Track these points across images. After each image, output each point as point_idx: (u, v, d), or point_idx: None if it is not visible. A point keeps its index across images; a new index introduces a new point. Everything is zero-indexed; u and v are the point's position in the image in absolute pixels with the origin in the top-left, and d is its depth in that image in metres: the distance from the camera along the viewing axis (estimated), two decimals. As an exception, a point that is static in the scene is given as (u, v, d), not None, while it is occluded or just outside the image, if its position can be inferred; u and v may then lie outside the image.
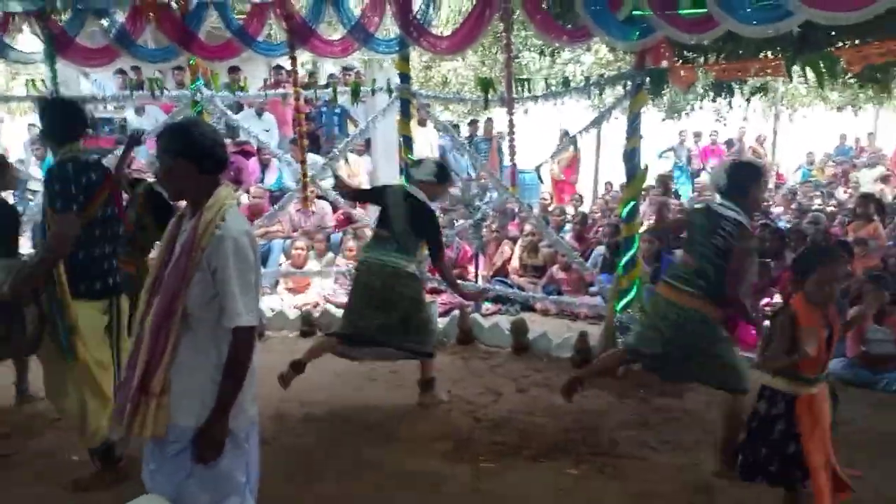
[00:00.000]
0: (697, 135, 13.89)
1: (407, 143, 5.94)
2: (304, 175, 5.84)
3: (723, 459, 3.57)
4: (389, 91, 6.04)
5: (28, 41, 6.75)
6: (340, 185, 4.97)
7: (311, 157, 6.60)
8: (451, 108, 13.77)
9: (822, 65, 4.49)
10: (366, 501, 3.42)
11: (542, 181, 9.49)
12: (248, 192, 7.96)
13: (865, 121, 15.30)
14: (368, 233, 7.49)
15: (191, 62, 6.31)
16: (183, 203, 2.33)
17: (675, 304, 3.67)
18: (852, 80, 10.20)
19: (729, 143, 14.00)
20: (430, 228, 4.38)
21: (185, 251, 2.17)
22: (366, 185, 9.88)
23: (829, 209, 9.13)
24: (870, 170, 13.05)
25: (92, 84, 9.18)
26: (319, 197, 7.57)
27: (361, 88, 6.47)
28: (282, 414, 4.34)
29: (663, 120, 13.97)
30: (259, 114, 9.49)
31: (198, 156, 2.22)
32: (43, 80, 6.32)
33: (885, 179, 11.68)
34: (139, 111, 9.20)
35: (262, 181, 8.55)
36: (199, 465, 2.20)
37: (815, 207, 9.31)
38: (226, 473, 2.27)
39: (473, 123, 11.97)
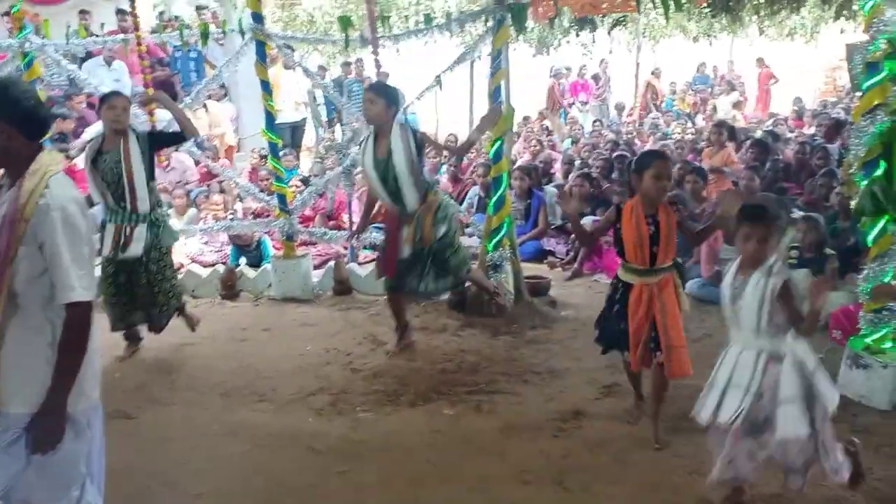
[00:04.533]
0: (568, 69, 14.12)
1: (264, 87, 5.63)
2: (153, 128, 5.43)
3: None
4: (242, 32, 5.67)
5: None
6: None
7: (159, 113, 6.15)
8: (320, 49, 13.24)
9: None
10: (236, 467, 3.32)
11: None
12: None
13: (720, 50, 16.06)
14: (234, 186, 7.19)
15: (13, 9, 5.67)
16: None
17: None
18: (707, 11, 10.67)
19: (595, 78, 14.34)
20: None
21: (7, 225, 1.97)
22: (231, 133, 9.53)
23: (687, 136, 9.59)
24: (726, 96, 13.82)
25: None
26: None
27: (212, 30, 6.06)
28: (143, 385, 4.14)
29: (534, 56, 14.08)
30: (108, 62, 8.79)
31: (18, 119, 2.00)
32: None
33: (737, 105, 12.39)
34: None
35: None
36: (37, 455, 2.04)
37: (675, 136, 9.76)
38: (66, 463, 2.12)
39: (347, 65, 11.61)
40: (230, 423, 3.71)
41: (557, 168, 8.64)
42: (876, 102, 3.51)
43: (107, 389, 3.96)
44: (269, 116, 5.72)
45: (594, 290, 5.75)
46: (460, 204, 7.10)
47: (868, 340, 3.67)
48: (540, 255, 6.56)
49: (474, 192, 7.52)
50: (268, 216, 6.27)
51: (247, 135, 9.53)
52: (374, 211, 4.82)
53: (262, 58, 5.58)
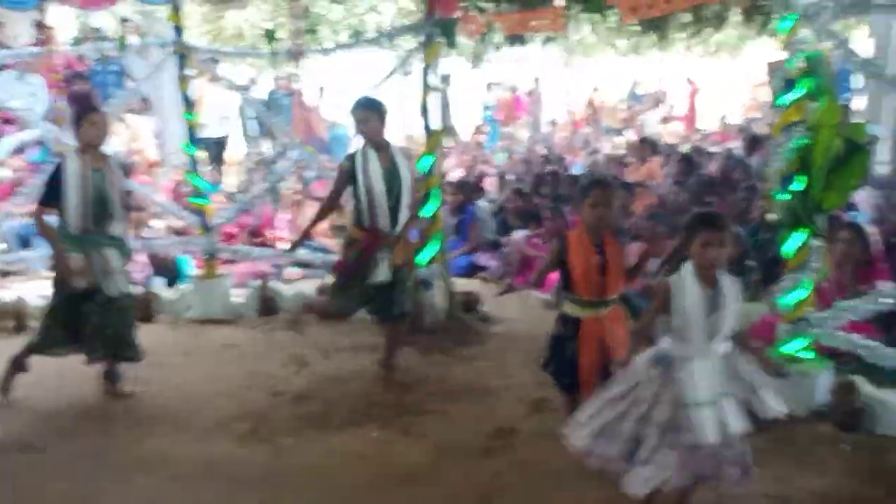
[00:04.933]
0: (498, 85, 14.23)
1: (186, 101, 5.43)
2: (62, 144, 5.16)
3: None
4: (163, 45, 5.47)
5: None
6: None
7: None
8: (249, 62, 13.00)
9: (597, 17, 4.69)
10: (149, 500, 3.13)
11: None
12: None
13: (651, 66, 16.47)
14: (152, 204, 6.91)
15: None
16: None
17: None
18: (635, 28, 10.94)
19: (530, 93, 14.52)
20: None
21: None
22: (154, 148, 9.19)
23: (617, 152, 9.76)
24: (654, 112, 14.19)
25: None
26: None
27: (134, 42, 5.83)
28: (51, 414, 3.90)
29: (472, 68, 14.14)
30: (21, 75, 8.37)
31: None
32: None
33: (665, 121, 12.72)
34: None
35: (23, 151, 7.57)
36: None
37: (605, 151, 9.92)
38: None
39: (279, 79, 11.43)
40: (144, 453, 3.50)
41: (490, 183, 8.66)
42: (794, 119, 3.60)
43: (11, 419, 3.79)
44: (190, 131, 5.53)
45: (527, 305, 5.73)
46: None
47: (786, 350, 3.75)
48: (472, 271, 6.52)
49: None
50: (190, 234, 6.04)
51: (171, 150, 9.23)
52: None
53: (183, 71, 5.39)
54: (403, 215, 4.16)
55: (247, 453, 3.50)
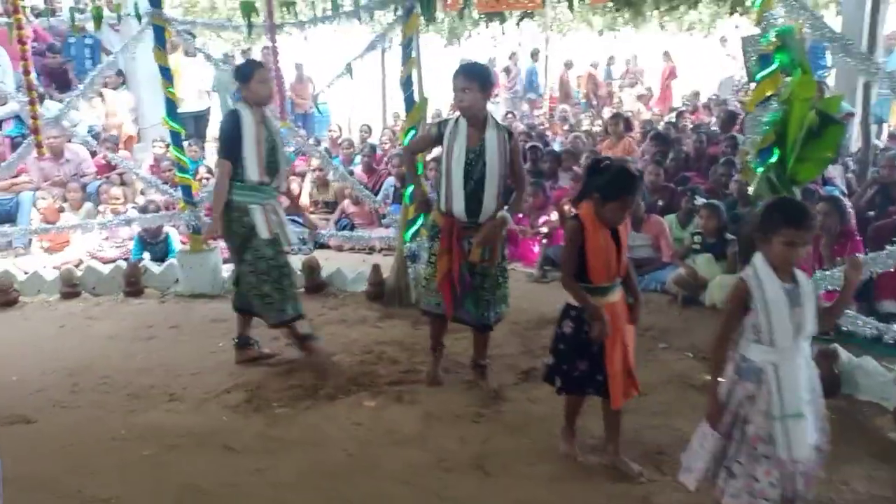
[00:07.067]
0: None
1: (165, 74, 5.37)
2: (34, 118, 5.09)
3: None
4: (138, 17, 5.38)
5: None
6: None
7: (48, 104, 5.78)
8: (224, 36, 12.81)
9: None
10: (146, 470, 3.16)
11: (319, 112, 9.24)
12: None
13: (625, 44, 16.57)
14: (135, 178, 6.86)
15: None
16: None
17: None
18: (610, 5, 11.01)
19: (507, 70, 14.53)
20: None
21: None
22: (130, 123, 9.05)
23: (595, 129, 9.85)
24: (631, 89, 14.30)
25: None
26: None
27: (106, 15, 5.73)
28: (44, 388, 3.90)
29: (445, 46, 14.12)
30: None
31: None
32: None
33: (641, 98, 12.84)
34: None
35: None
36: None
37: (584, 128, 10.00)
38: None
39: (246, 52, 11.31)
40: (138, 425, 3.54)
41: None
42: (768, 93, 3.68)
43: (4, 393, 3.79)
44: (171, 104, 5.47)
45: (512, 279, 5.80)
46: (376, 195, 7.03)
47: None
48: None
49: (390, 182, 7.47)
50: (173, 209, 6.01)
51: (147, 125, 9.10)
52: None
53: (160, 43, 5.33)
54: (488, 205, 3.57)
55: (242, 422, 3.56)
